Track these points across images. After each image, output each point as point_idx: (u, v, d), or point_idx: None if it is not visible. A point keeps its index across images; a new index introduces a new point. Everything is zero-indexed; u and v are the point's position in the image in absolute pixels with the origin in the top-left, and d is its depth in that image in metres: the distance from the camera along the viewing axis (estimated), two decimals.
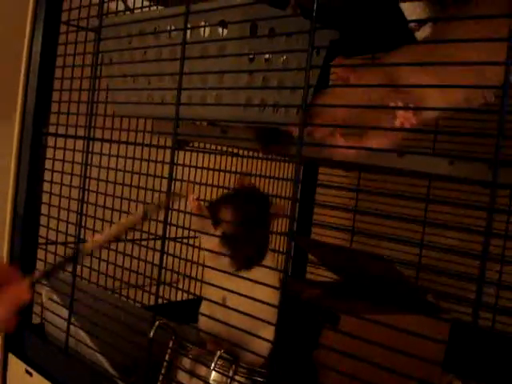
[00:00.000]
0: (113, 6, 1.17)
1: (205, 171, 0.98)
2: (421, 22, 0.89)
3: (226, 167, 1.22)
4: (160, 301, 0.92)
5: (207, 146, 1.27)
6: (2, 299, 0.53)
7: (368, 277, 1.29)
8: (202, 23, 0.85)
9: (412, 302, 1.22)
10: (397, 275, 1.26)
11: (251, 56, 0.84)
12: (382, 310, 1.10)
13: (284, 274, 0.71)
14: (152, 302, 0.98)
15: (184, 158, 1.11)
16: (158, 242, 0.88)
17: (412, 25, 0.90)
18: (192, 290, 1.11)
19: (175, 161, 0.87)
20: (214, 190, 0.92)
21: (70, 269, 0.94)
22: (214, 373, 0.83)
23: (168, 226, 0.87)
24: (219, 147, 1.31)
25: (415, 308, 1.19)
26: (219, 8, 0.81)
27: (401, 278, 1.26)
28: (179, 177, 0.94)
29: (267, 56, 0.88)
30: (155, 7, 1.21)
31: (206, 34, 0.85)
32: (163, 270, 0.89)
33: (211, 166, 1.08)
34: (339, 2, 1.02)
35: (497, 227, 0.57)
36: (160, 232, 0.87)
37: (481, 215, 0.58)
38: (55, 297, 1.11)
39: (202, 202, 0.90)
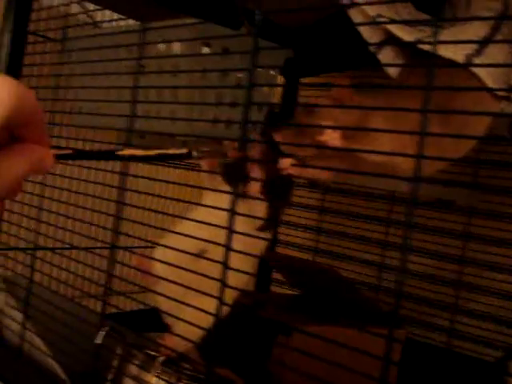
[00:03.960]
0: (82, 17, 1.19)
1: (158, 183, 1.00)
2: (380, 45, 0.90)
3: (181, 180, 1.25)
4: (114, 310, 0.94)
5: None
6: (24, 153, 0.41)
7: (326, 292, 1.31)
8: (159, 39, 0.88)
9: (368, 317, 1.25)
10: (354, 292, 1.29)
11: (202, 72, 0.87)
12: (335, 324, 1.12)
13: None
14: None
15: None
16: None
17: (372, 47, 0.91)
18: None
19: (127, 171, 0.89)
20: (167, 201, 0.94)
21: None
22: (158, 380, 0.85)
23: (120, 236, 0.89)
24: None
25: (370, 322, 1.22)
26: (174, 26, 0.84)
27: (358, 295, 1.29)
28: (134, 186, 0.96)
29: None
30: (123, 22, 1.23)
31: (163, 51, 0.88)
32: (115, 280, 0.91)
33: (171, 178, 1.10)
34: (292, 22, 1.05)
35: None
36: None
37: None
38: (12, 301, 1.12)
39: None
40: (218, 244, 0.72)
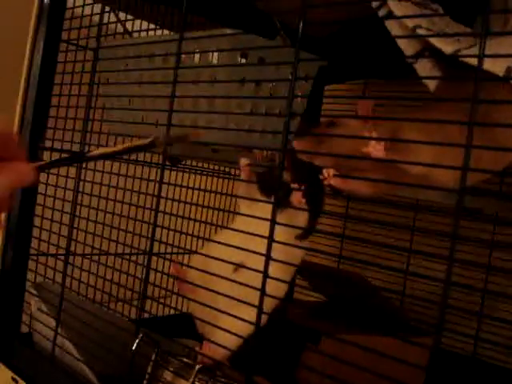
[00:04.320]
0: (113, 26, 1.21)
1: (192, 190, 1.01)
2: (416, 57, 0.89)
3: (212, 187, 1.26)
4: (147, 316, 0.94)
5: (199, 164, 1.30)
6: (2, 171, 0.46)
7: (353, 299, 1.31)
8: (197, 50, 0.89)
9: (394, 325, 1.25)
10: (381, 299, 1.29)
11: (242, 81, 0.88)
12: (363, 331, 1.12)
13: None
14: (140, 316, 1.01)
15: (176, 178, 1.15)
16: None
17: (409, 59, 0.90)
18: (176, 306, 1.14)
19: (164, 179, 0.90)
20: (199, 209, 0.95)
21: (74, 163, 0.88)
22: None
23: (155, 242, 0.90)
24: (211, 166, 1.34)
25: (396, 331, 1.22)
26: (212, 36, 0.85)
27: (385, 302, 1.29)
28: (169, 195, 0.97)
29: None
30: (153, 31, 1.24)
31: (199, 61, 0.89)
32: (149, 285, 0.92)
33: (201, 186, 1.11)
34: (327, 32, 1.06)
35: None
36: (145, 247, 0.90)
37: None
38: (43, 307, 1.13)
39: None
40: (257, 253, 0.73)
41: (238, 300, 0.74)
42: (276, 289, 0.75)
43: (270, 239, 0.72)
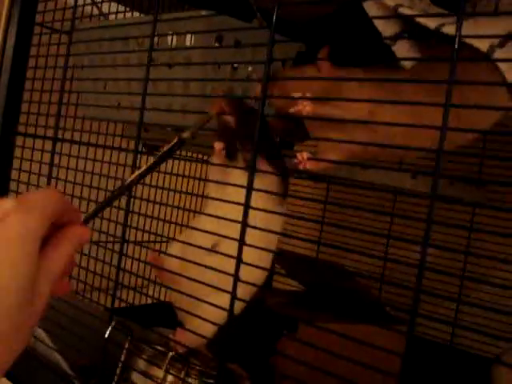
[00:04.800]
0: (88, 9, 1.19)
1: (168, 176, 1.00)
2: (395, 38, 0.88)
3: (190, 173, 1.24)
4: (124, 305, 0.93)
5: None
6: (63, 244, 0.49)
7: (330, 287, 1.31)
8: (170, 32, 0.87)
9: (371, 313, 1.24)
10: (357, 287, 1.29)
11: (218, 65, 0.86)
12: (340, 320, 1.12)
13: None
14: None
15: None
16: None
17: (388, 40, 0.89)
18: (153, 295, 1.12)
19: (139, 165, 0.89)
20: (177, 195, 0.93)
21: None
22: (167, 374, 0.85)
23: (128, 229, 0.88)
24: (189, 154, 1.33)
25: (373, 319, 1.21)
26: (186, 18, 0.83)
27: (361, 290, 1.28)
28: (144, 181, 0.95)
29: (235, 65, 0.91)
30: (129, 13, 1.22)
31: (174, 43, 0.87)
32: (125, 274, 0.90)
33: (178, 172, 1.09)
34: (305, 15, 1.05)
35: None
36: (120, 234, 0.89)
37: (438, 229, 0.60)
38: None
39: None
40: (232, 238, 0.71)
41: (214, 287, 0.73)
42: (258, 260, 0.73)
43: (247, 207, 0.70)
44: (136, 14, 1.27)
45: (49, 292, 0.47)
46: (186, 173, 1.17)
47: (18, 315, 0.44)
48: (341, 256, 1.52)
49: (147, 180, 0.92)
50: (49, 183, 1.06)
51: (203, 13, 0.80)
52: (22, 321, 0.45)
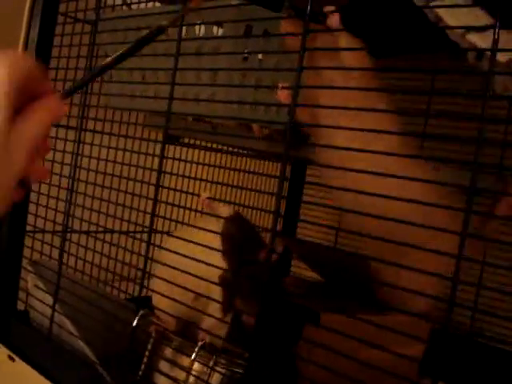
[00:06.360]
0: None
1: (194, 166, 1.00)
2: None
3: (214, 163, 1.24)
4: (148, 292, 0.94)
5: (197, 142, 1.29)
6: (37, 111, 0.47)
7: (349, 276, 1.31)
8: (198, 21, 0.87)
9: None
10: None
11: (245, 55, 0.86)
12: (362, 309, 1.12)
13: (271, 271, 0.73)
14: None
15: (174, 153, 1.13)
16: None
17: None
18: None
19: (165, 154, 0.89)
20: (203, 183, 0.93)
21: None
22: (195, 363, 0.85)
23: (156, 219, 0.89)
24: (209, 144, 1.33)
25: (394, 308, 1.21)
26: (215, 7, 0.83)
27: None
28: (168, 170, 0.95)
29: (260, 56, 0.90)
30: (152, 3, 1.22)
31: (202, 33, 0.87)
32: (149, 262, 0.91)
33: (200, 162, 1.10)
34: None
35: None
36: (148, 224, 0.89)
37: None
38: (40, 283, 1.12)
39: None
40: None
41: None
42: None
43: None
44: (157, 4, 1.26)
45: (23, 162, 0.45)
46: (212, 163, 1.17)
47: None
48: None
49: (174, 169, 0.92)
50: (73, 172, 1.06)
51: (233, 2, 0.80)
52: None
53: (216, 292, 0.83)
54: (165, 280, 0.85)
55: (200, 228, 0.83)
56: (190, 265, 0.81)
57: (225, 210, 0.92)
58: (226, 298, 0.86)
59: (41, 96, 0.48)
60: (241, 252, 0.88)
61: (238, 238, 0.90)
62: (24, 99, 0.46)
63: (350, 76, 0.76)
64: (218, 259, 0.83)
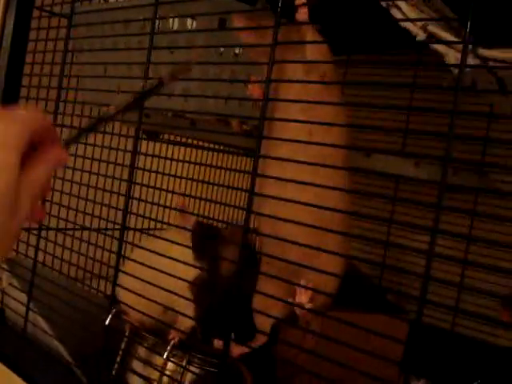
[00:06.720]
0: None
1: (170, 162, 0.98)
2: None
3: (190, 159, 1.23)
4: None
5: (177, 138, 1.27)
6: (42, 163, 0.49)
7: None
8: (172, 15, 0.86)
9: (372, 301, 1.23)
10: (358, 274, 1.28)
11: (221, 50, 0.85)
12: (342, 308, 1.11)
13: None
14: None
15: (154, 150, 1.12)
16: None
17: None
18: None
19: (145, 151, 0.87)
20: (177, 180, 0.92)
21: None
22: (168, 362, 0.84)
23: (128, 216, 0.87)
24: (189, 140, 1.31)
25: (375, 307, 1.20)
26: (189, 0, 0.81)
27: (362, 277, 1.27)
28: (147, 167, 0.94)
29: (237, 51, 0.89)
30: None
31: (175, 26, 0.85)
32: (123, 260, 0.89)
33: (179, 158, 1.08)
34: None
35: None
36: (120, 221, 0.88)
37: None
38: (15, 282, 1.10)
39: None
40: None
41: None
42: None
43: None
44: None
45: (28, 208, 0.46)
46: (187, 159, 1.15)
47: (1, 224, 0.44)
48: None
49: (147, 165, 0.91)
50: None
51: None
52: (5, 230, 0.44)
53: (185, 291, 0.82)
54: (133, 276, 0.84)
55: (168, 240, 0.84)
56: (162, 264, 0.81)
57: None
58: (199, 296, 0.85)
59: (46, 142, 0.49)
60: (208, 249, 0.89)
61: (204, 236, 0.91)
62: (33, 144, 0.48)
63: (311, 71, 0.76)
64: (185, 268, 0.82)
